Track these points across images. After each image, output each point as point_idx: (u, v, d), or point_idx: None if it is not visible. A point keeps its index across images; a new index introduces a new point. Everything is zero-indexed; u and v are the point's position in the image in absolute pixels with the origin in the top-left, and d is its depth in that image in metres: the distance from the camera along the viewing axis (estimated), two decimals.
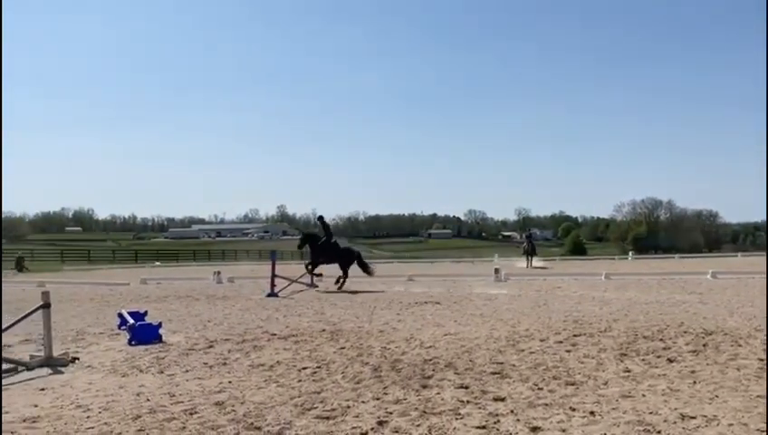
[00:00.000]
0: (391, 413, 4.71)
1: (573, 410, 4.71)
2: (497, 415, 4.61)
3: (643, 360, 6.53)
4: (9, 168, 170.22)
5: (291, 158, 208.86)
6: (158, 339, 8.29)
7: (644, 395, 5.10)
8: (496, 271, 19.83)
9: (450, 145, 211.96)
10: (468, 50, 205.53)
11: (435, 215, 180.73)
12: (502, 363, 6.46)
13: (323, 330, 9.16)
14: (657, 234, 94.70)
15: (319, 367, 6.49)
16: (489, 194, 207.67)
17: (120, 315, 9.60)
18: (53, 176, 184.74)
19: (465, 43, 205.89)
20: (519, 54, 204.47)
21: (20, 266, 34.50)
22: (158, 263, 43.85)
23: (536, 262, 28.67)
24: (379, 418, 4.59)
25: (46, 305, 6.98)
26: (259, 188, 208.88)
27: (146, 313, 9.71)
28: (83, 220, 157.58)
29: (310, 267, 17.61)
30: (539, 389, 5.37)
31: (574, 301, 12.67)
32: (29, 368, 6.57)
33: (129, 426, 4.53)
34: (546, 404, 4.87)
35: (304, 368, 6.45)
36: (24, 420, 4.72)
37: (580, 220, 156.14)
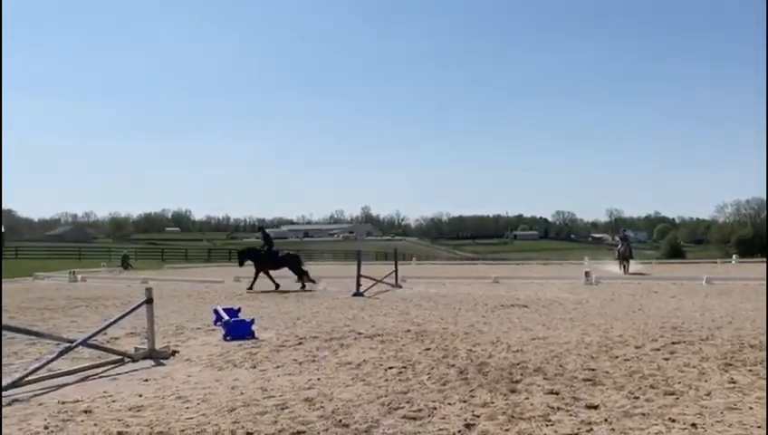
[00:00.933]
0: (479, 417, 4.65)
1: (673, 421, 4.46)
2: (590, 423, 4.44)
3: (750, 371, 6.08)
4: (119, 171, 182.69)
5: (375, 159, 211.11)
6: (251, 335, 8.61)
7: (751, 408, 4.75)
8: (587, 274, 19.11)
9: (537, 145, 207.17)
10: (557, 49, 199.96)
11: (521, 216, 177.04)
12: (594, 370, 6.22)
13: (408, 330, 9.18)
14: (764, 236, 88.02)
15: (405, 367, 6.51)
16: (579, 194, 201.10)
17: (216, 312, 10.06)
18: (155, 179, 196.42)
19: (550, 41, 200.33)
20: (607, 53, 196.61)
21: (125, 264, 36.97)
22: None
23: (633, 266, 26.55)
24: (466, 420, 4.55)
25: (149, 301, 7.42)
26: (344, 189, 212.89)
27: (239, 309, 10.12)
28: (181, 221, 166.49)
29: (261, 278, 17.96)
30: (635, 398, 5.12)
31: (672, 306, 12.01)
32: (134, 359, 7.00)
33: (225, 418, 4.73)
34: (643, 414, 4.64)
35: (390, 367, 6.50)
36: (130, 409, 5.04)
37: (677, 221, 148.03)
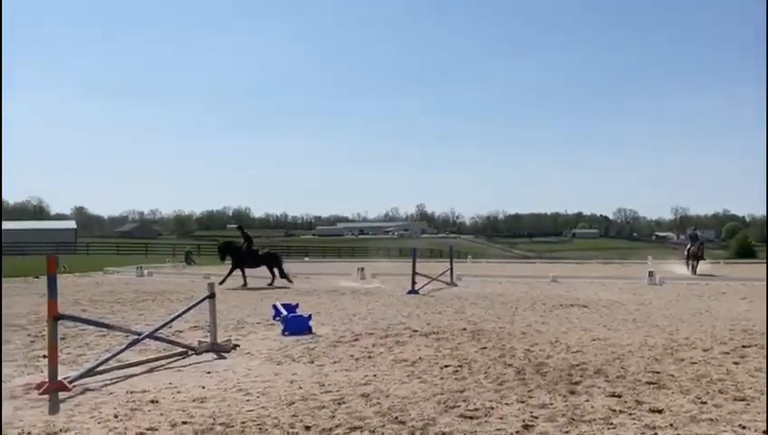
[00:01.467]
0: (537, 418, 4.58)
1: (743, 427, 4.26)
2: (654, 428, 4.30)
3: None
4: (183, 171, 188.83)
5: (431, 157, 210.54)
6: (309, 330, 8.76)
7: None
8: (650, 274, 18.47)
9: (597, 141, 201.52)
10: (616, 47, 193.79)
11: (580, 214, 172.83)
12: (658, 373, 6.01)
13: (464, 329, 9.13)
14: None
15: (461, 366, 6.48)
16: (642, 191, 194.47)
17: (275, 307, 10.27)
18: (217, 177, 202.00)
19: (612, 39, 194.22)
20: (678, 48, 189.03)
21: (189, 260, 38.19)
22: (306, 258, 46.34)
23: (701, 266, 24.97)
24: (524, 421, 4.48)
25: (212, 296, 7.66)
26: (399, 187, 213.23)
27: (297, 305, 10.29)
28: (241, 218, 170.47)
29: (234, 273, 18.13)
30: (702, 402, 4.92)
31: (742, 308, 11.47)
32: (197, 352, 7.23)
33: (284, 411, 4.83)
34: (711, 420, 4.46)
35: (446, 366, 6.47)
36: (194, 400, 5.21)
37: (747, 220, 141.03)
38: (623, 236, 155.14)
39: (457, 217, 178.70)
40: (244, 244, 18.57)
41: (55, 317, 5.60)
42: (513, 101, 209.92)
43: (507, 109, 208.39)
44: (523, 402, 5.00)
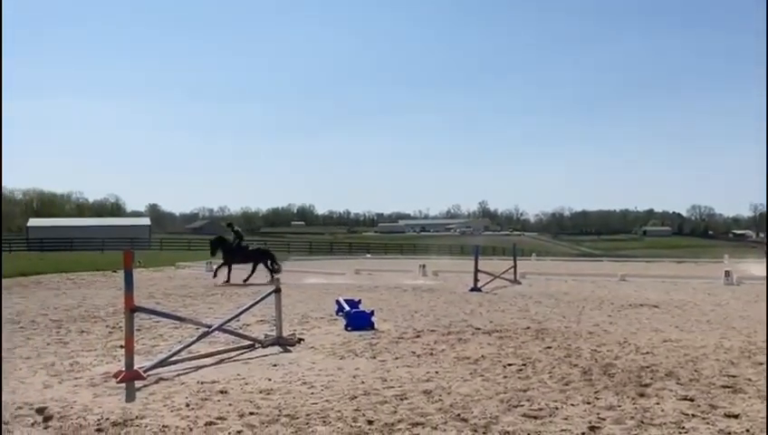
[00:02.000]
0: (604, 420, 4.46)
1: None
2: (729, 433, 4.11)
3: None
4: (250, 169, 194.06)
5: (494, 154, 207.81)
6: (371, 326, 8.84)
7: None
8: (727, 274, 17.59)
9: (669, 135, 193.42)
10: (689, 37, 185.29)
11: (651, 211, 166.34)
12: (734, 377, 5.73)
13: (528, 327, 8.98)
14: None
15: (524, 364, 6.38)
16: (718, 187, 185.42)
17: (338, 302, 10.43)
18: (282, 175, 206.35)
19: (677, 29, 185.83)
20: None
21: None
22: (368, 255, 46.71)
23: None
24: (590, 423, 4.38)
25: (277, 291, 7.85)
26: (461, 184, 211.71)
27: (360, 301, 10.43)
28: (305, 215, 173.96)
29: (226, 268, 18.25)
30: None
31: None
32: (263, 345, 7.43)
33: (347, 405, 4.90)
34: None
35: (509, 364, 6.39)
36: (261, 392, 5.37)
37: None
38: (697, 234, 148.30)
39: (521, 214, 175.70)
40: (236, 240, 19.07)
41: (132, 309, 5.88)
42: (574, 95, 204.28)
43: (575, 104, 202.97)
44: (589, 404, 4.88)
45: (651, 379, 5.70)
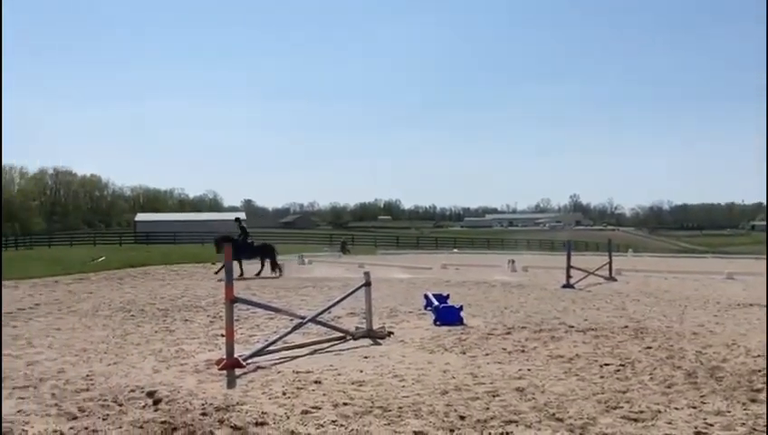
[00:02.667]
0: (711, 425, 4.21)
1: None
2: None
3: None
4: (338, 166, 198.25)
5: (585, 144, 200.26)
6: (460, 321, 8.79)
7: None
8: None
9: None
10: None
11: (760, 204, 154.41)
12: None
13: (626, 326, 8.61)
14: None
15: (623, 365, 6.13)
16: None
17: (426, 297, 10.44)
18: (369, 171, 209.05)
19: None
20: None
21: (344, 249, 40.06)
22: (455, 250, 46.44)
23: None
24: (696, 428, 4.14)
25: (367, 284, 7.97)
26: (551, 177, 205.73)
27: (448, 296, 10.38)
28: (392, 210, 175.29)
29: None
30: None
31: None
32: (354, 338, 7.58)
33: (438, 400, 4.91)
34: None
35: (606, 364, 6.16)
36: (353, 383, 5.48)
37: None
38: None
39: (616, 208, 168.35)
40: (241, 236, 19.30)
41: (231, 300, 6.18)
42: (673, 81, 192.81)
43: (667, 90, 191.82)
44: (694, 408, 4.62)
45: (764, 384, 5.31)
